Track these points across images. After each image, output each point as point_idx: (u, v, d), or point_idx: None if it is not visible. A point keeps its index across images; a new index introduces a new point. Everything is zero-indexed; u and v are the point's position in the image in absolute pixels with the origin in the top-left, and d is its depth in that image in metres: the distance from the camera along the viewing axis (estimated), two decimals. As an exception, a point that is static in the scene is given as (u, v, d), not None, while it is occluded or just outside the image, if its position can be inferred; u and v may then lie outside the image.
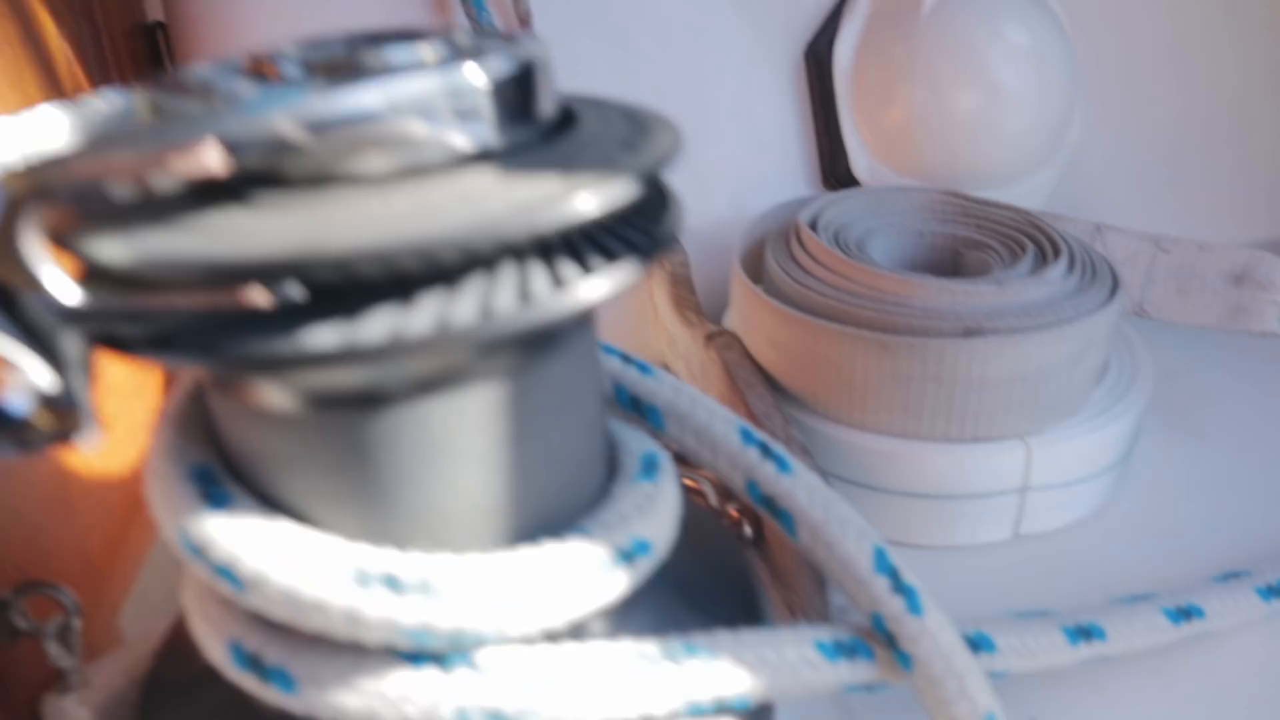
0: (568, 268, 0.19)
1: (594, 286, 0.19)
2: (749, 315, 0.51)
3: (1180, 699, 0.40)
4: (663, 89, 0.65)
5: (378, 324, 0.18)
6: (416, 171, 0.19)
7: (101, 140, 0.17)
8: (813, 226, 0.52)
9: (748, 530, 0.46)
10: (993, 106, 0.62)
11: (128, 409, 0.48)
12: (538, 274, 0.19)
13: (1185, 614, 0.39)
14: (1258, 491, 0.52)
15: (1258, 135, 0.78)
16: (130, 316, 0.18)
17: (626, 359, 0.30)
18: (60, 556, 0.44)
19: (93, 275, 0.18)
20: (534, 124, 0.21)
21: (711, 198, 0.67)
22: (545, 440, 0.23)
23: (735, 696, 0.25)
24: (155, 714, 0.27)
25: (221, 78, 0.21)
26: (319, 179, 0.18)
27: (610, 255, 0.20)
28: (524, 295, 0.18)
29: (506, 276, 0.19)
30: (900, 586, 0.28)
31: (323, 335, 0.17)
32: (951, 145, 0.63)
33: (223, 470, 0.23)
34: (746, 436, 0.30)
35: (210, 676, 0.23)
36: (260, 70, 0.21)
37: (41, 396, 0.18)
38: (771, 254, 0.52)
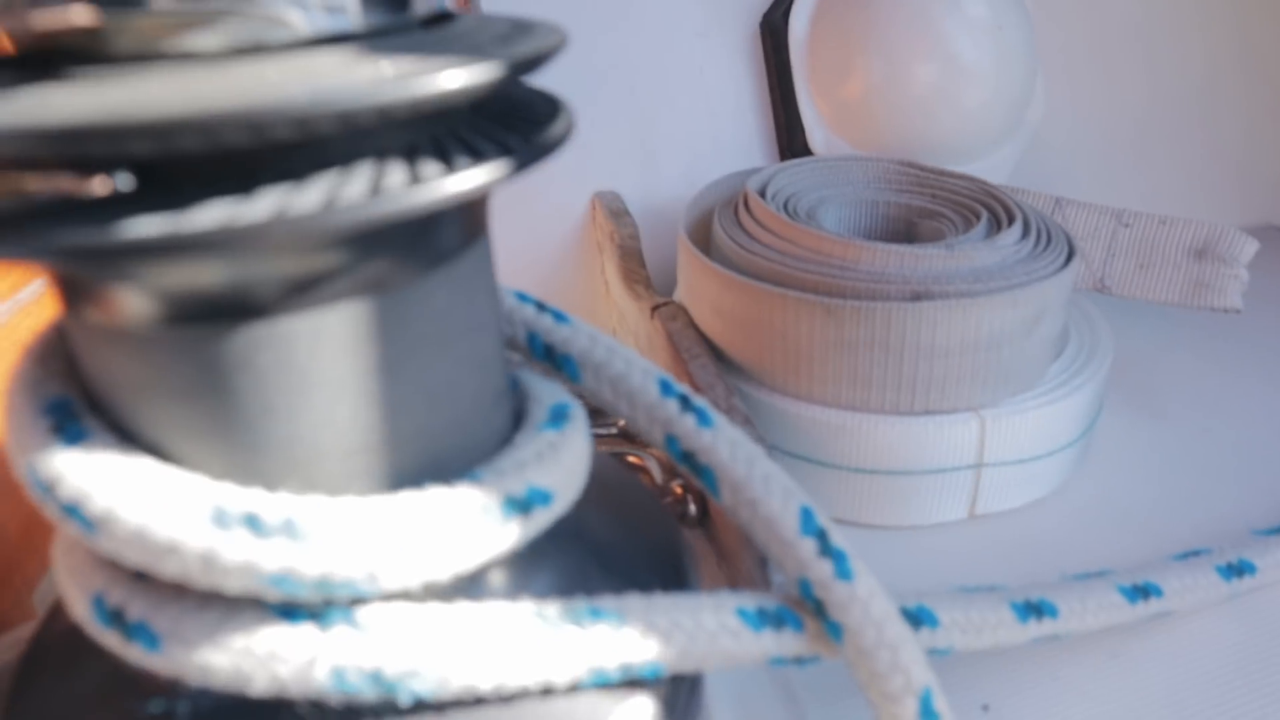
0: (429, 165, 0.17)
1: (453, 183, 0.17)
2: (694, 284, 0.49)
3: (1139, 683, 0.38)
4: (615, 61, 0.63)
5: (210, 211, 0.16)
6: (256, 50, 0.17)
7: None
8: (762, 194, 0.50)
9: (692, 509, 0.44)
10: (951, 79, 0.61)
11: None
12: (395, 169, 0.17)
13: (1142, 592, 0.37)
14: (1221, 472, 0.50)
15: (1226, 118, 0.77)
16: None
17: (542, 307, 0.28)
18: (-32, 530, 0.41)
19: None
20: (402, 14, 0.19)
21: (665, 171, 0.65)
22: (427, 373, 0.21)
23: (644, 664, 0.23)
24: (30, 685, 0.25)
25: None
26: (144, 56, 0.16)
27: (480, 157, 0.18)
28: (375, 188, 0.16)
29: (361, 171, 0.17)
30: (828, 549, 0.26)
31: (147, 222, 0.15)
32: (909, 118, 0.61)
33: (82, 404, 0.20)
34: (665, 388, 0.28)
35: (89, 645, 0.21)
36: None
37: None
38: (719, 222, 0.50)
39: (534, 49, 0.19)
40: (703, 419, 0.28)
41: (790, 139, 0.64)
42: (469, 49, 0.18)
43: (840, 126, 0.63)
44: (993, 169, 0.64)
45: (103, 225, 0.15)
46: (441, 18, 0.21)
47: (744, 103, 0.66)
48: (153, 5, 0.16)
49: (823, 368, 0.43)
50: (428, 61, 0.17)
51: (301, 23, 0.17)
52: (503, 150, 0.18)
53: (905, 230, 0.53)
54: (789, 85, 0.64)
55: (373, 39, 0.18)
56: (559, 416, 0.24)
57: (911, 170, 0.55)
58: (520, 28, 0.21)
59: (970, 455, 0.43)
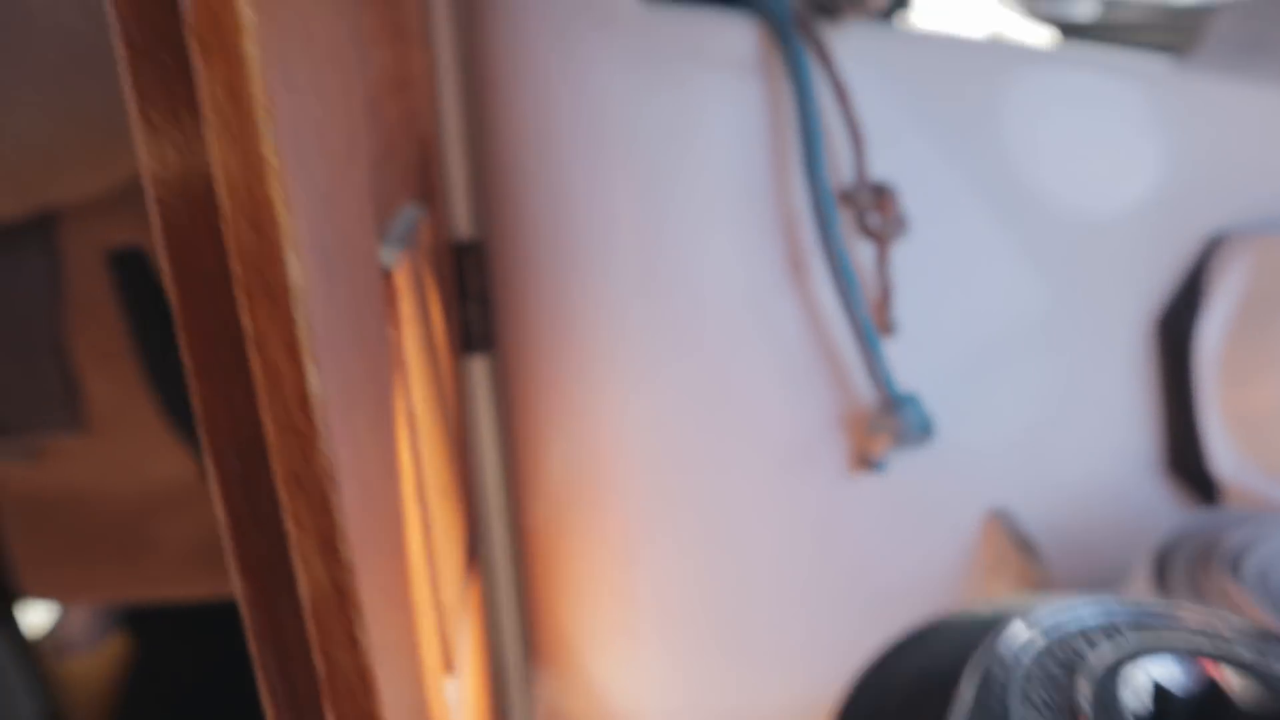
0: None
1: None
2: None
3: None
4: (999, 360, 0.58)
5: None
6: None
7: None
8: (1234, 568, 0.44)
9: None
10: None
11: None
12: None
13: None
14: None
15: None
16: None
17: None
18: None
19: None
20: None
21: (1048, 481, 0.59)
22: None
23: None
24: None
25: None
26: None
27: None
28: None
29: None
30: None
31: None
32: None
33: None
34: None
35: None
36: None
37: None
38: (1183, 595, 0.44)
39: None
40: None
41: (1183, 453, 0.59)
42: None
43: (1250, 445, 0.57)
44: None
45: None
46: None
47: (1132, 408, 0.60)
48: None
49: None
50: None
51: None
52: None
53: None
54: (1186, 394, 0.58)
55: None
56: None
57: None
58: None
59: None
